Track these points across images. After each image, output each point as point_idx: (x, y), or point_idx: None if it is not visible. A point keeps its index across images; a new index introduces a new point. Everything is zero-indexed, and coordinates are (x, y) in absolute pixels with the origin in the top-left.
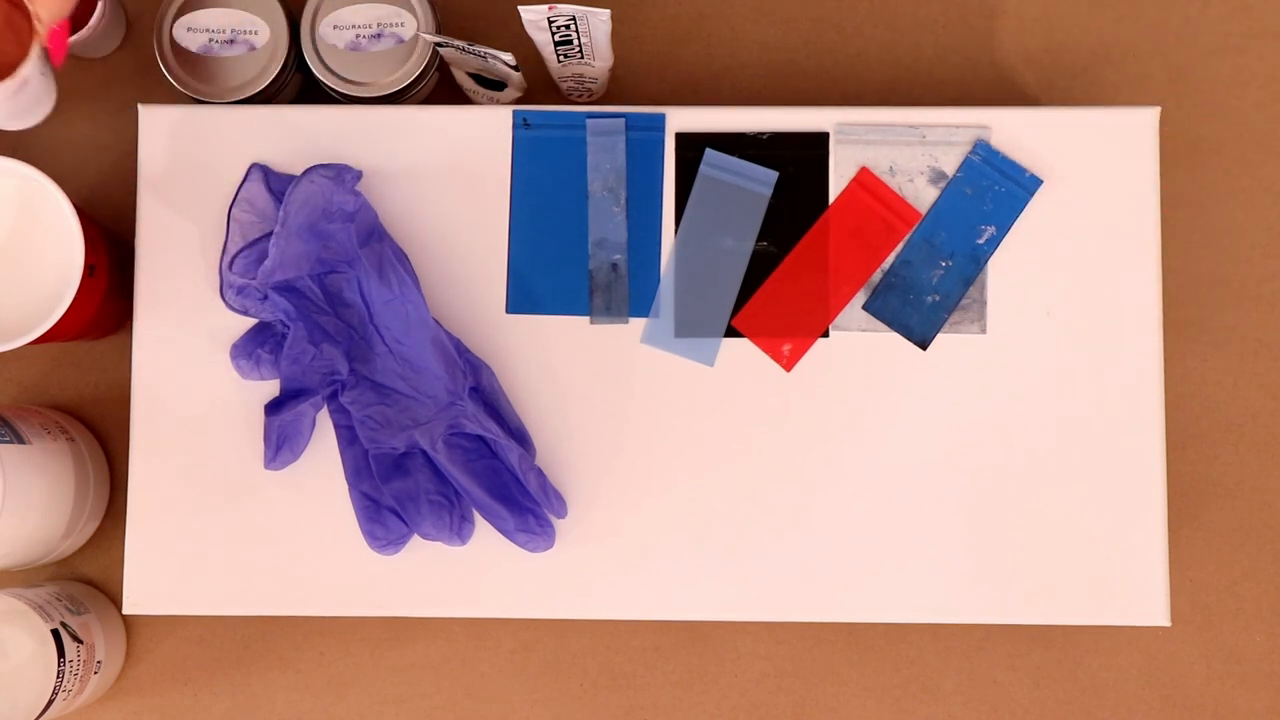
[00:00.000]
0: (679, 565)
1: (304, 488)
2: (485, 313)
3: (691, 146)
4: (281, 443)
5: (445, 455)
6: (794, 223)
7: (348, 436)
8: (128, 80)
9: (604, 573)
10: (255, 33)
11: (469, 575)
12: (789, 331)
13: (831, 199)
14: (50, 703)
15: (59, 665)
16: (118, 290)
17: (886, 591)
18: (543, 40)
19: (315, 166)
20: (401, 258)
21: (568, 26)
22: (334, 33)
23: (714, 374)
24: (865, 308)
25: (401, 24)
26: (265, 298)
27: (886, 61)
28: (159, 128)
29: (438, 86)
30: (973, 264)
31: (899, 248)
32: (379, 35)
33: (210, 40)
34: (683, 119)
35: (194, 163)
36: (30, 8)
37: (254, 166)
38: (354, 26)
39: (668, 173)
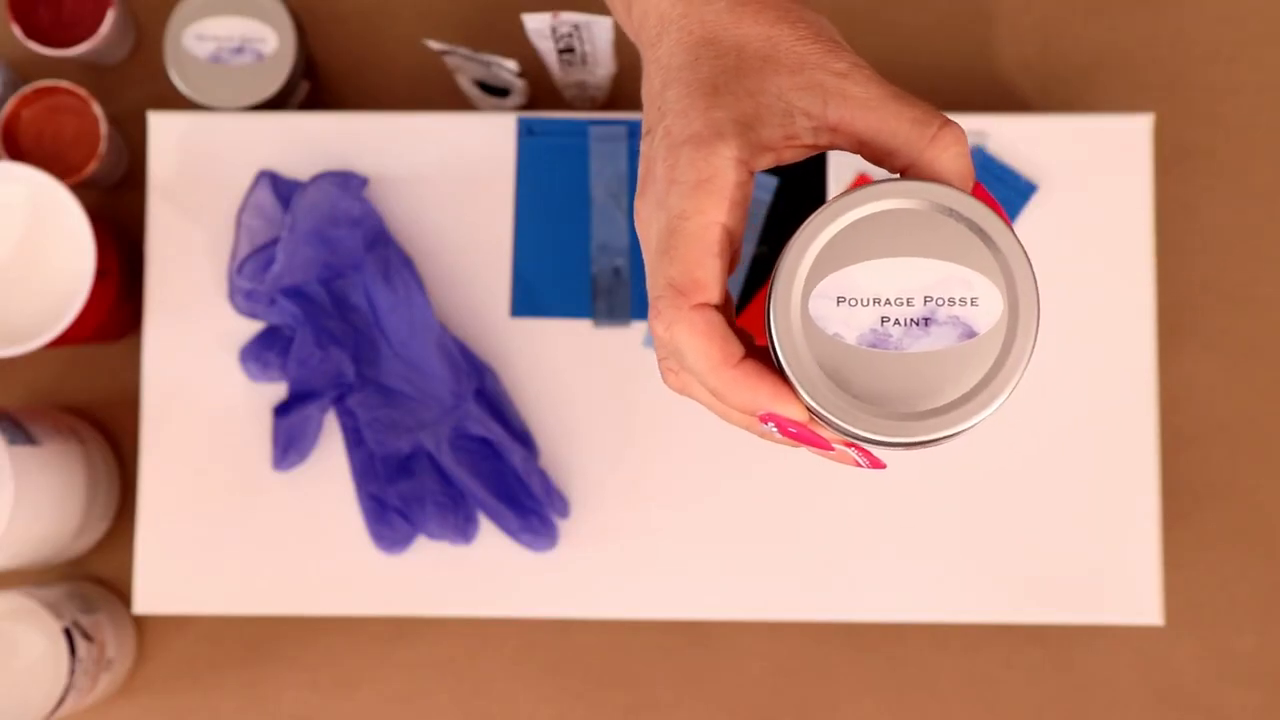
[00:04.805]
0: (681, 565)
1: (311, 489)
2: (490, 316)
3: None
4: (289, 444)
5: (450, 457)
6: (794, 226)
7: (354, 438)
8: (137, 88)
9: (607, 572)
10: (264, 41)
11: (474, 575)
12: None
13: None
14: (61, 700)
15: (70, 663)
16: (128, 294)
17: (886, 591)
18: (546, 48)
19: (322, 173)
20: (407, 262)
21: (571, 35)
22: None
23: None
24: None
25: None
26: (273, 302)
27: (883, 68)
28: (168, 135)
29: (442, 94)
30: None
31: None
32: None
33: (219, 48)
34: None
35: (203, 169)
36: None
37: (262, 173)
38: None
39: None
